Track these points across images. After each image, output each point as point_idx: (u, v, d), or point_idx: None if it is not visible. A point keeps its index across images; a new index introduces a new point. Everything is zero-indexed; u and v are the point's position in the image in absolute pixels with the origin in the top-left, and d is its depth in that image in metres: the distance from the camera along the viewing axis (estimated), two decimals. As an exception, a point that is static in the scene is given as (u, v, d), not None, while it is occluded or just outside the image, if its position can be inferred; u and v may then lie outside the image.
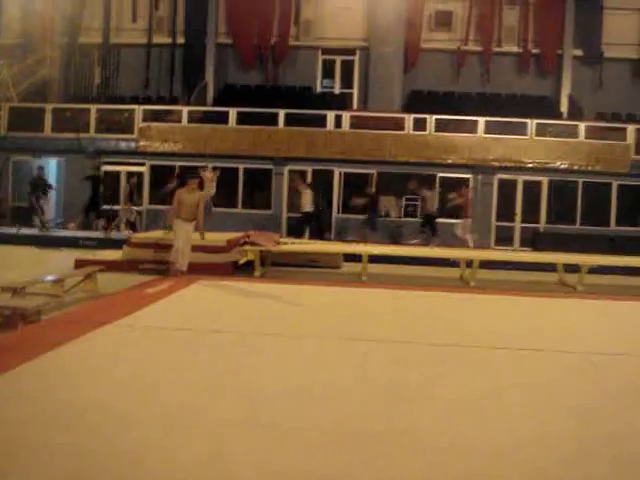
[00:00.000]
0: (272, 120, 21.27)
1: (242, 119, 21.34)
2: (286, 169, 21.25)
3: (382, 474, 3.96)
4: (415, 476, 3.97)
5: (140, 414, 4.74)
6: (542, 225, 20.99)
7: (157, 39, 24.49)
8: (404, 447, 4.38)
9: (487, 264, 14.41)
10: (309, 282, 12.54)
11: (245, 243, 13.98)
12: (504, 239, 20.83)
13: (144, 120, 21.61)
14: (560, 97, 23.42)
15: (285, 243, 15.39)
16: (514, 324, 9.22)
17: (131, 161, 21.51)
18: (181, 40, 24.43)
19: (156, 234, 14.34)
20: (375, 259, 14.44)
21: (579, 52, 23.82)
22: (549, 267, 14.91)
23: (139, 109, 21.76)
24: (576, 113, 22.65)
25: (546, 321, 9.61)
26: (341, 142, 20.89)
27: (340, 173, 21.25)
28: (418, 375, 6.24)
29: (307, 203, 18.31)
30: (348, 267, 14.95)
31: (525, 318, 9.75)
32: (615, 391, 6.03)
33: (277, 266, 14.53)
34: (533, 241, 20.56)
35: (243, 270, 13.60)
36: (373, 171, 20.94)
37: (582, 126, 21.11)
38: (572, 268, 14.17)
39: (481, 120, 20.86)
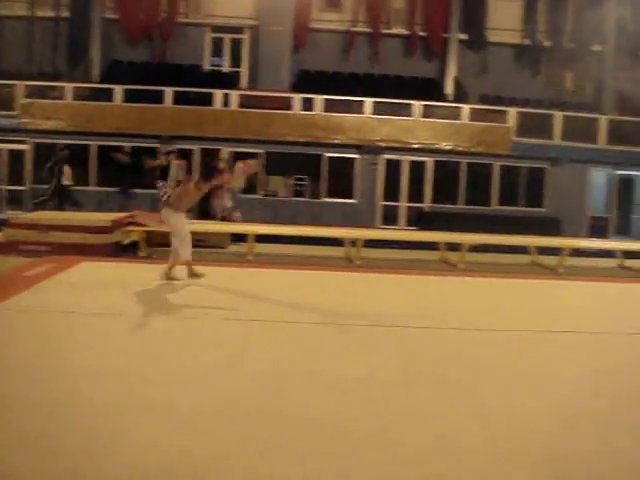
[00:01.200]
0: (159, 98, 21.24)
1: (129, 97, 21.27)
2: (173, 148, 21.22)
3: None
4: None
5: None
6: (427, 205, 21.81)
7: (40, 12, 23.94)
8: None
9: (373, 243, 14.97)
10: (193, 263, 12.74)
11: (130, 223, 14.06)
12: (390, 218, 21.53)
13: (27, 96, 21.21)
14: (446, 80, 24.20)
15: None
16: (396, 302, 9.77)
17: (12, 138, 21.07)
18: (65, 13, 23.97)
19: (39, 215, 14.24)
20: (265, 239, 14.71)
21: (465, 36, 24.67)
22: (433, 246, 15.61)
23: (20, 85, 21.33)
24: (461, 96, 23.51)
25: (428, 298, 10.23)
26: (229, 121, 21.14)
27: (228, 153, 21.42)
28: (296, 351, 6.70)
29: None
30: (237, 247, 15.23)
31: (412, 296, 10.33)
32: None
33: (164, 247, 14.63)
34: (418, 220, 21.32)
35: (129, 251, 13.69)
36: (261, 150, 21.21)
37: (466, 108, 22.01)
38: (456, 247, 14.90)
39: (368, 101, 21.48)
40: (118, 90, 21.26)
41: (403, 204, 21.88)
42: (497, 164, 22.07)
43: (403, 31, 24.74)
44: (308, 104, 21.51)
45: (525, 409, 5.27)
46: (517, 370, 6.42)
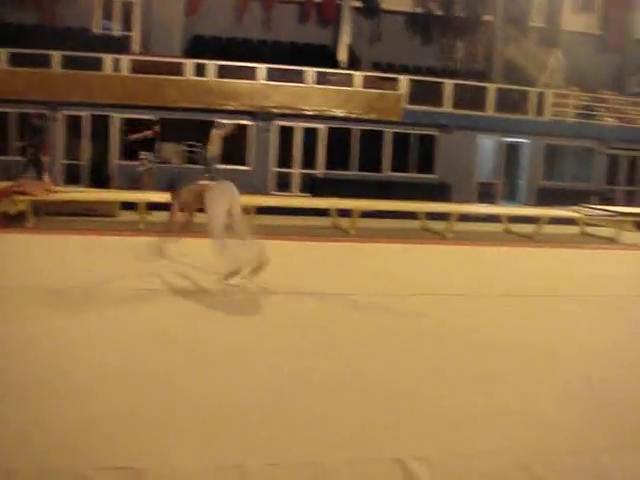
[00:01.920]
0: (47, 62, 20.76)
1: (15, 61, 20.66)
2: (60, 114, 20.89)
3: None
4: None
5: None
6: (320, 171, 22.13)
7: None
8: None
9: (266, 210, 15.25)
10: (81, 232, 12.74)
11: (15, 192, 13.87)
12: (283, 185, 21.78)
13: None
14: (339, 47, 24.46)
15: (59, 192, 15.36)
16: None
17: None
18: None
19: None
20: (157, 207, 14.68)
21: (358, 3, 24.96)
22: (326, 212, 16.00)
23: None
24: (354, 63, 23.86)
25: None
26: (120, 87, 20.88)
27: (119, 119, 21.20)
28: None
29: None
30: (126, 215, 15.23)
31: (301, 263, 10.66)
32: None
33: (53, 215, 14.52)
34: (312, 187, 21.62)
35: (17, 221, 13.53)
36: (153, 117, 21.01)
37: (359, 76, 22.35)
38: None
39: (261, 67, 21.55)
40: (3, 53, 20.65)
41: (296, 171, 22.17)
42: (389, 131, 22.54)
43: (297, -3, 24.87)
44: (201, 70, 21.42)
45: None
46: (397, 337, 6.84)
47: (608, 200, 23.14)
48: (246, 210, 14.64)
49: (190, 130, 21.08)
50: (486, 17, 25.83)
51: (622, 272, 11.71)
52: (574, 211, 18.01)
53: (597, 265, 12.56)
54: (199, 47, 23.52)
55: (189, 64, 21.45)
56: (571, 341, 6.67)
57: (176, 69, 21.45)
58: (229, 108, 21.31)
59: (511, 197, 24.23)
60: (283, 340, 6.20)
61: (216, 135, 18.82)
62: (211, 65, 21.39)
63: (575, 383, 5.36)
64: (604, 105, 25.26)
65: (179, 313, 7.02)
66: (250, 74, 21.65)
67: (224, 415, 4.35)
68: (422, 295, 8.51)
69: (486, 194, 23.33)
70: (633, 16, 27.43)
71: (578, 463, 3.96)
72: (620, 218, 17.46)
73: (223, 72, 21.50)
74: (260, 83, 21.63)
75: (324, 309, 7.62)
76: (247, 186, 20.17)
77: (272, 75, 21.74)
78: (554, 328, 7.18)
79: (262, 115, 21.56)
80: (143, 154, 19.33)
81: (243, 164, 21.64)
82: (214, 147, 19.03)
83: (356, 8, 25.02)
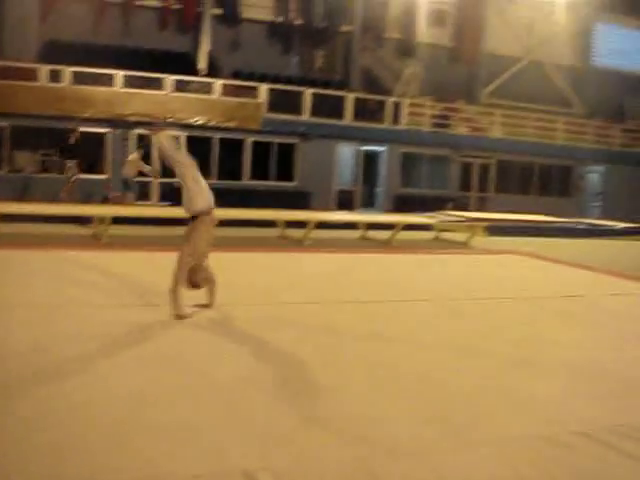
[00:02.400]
0: None
1: None
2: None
3: None
4: None
5: None
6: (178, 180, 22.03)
7: None
8: None
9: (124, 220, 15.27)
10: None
11: None
12: (144, 194, 21.66)
13: None
14: (199, 54, 24.54)
15: None
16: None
17: None
18: None
19: None
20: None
21: (219, 11, 25.09)
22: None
23: None
24: (214, 71, 23.99)
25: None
26: (-31, 93, 20.20)
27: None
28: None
29: None
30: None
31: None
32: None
33: None
34: (172, 195, 21.55)
35: None
36: (6, 124, 20.51)
37: (219, 84, 22.52)
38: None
39: (119, 73, 21.38)
40: None
41: (155, 180, 22.03)
42: (249, 139, 22.81)
43: (156, 3, 24.72)
44: (56, 76, 21.04)
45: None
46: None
47: (462, 206, 24.24)
48: (102, 220, 14.67)
49: (45, 138, 20.67)
50: (345, 28, 26.51)
51: (474, 274, 12.39)
52: (430, 217, 18.83)
53: (450, 269, 13.18)
54: (55, 52, 23.03)
55: (44, 70, 21.03)
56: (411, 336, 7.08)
57: (30, 75, 20.97)
58: (86, 115, 21.01)
59: (370, 204, 24.96)
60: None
61: (133, 156, 18.67)
62: (67, 71, 21.05)
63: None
64: (457, 115, 26.44)
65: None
66: (108, 81, 21.44)
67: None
68: (274, 304, 8.66)
69: (345, 201, 23.96)
70: (484, 30, 28.78)
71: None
72: (472, 223, 18.39)
73: (79, 78, 21.19)
74: (117, 90, 21.45)
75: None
76: (105, 195, 20.21)
77: (130, 82, 21.61)
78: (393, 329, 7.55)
79: (120, 123, 21.38)
80: (69, 163, 19.13)
81: (101, 173, 21.39)
82: (129, 168, 18.85)
83: (216, 16, 25.15)
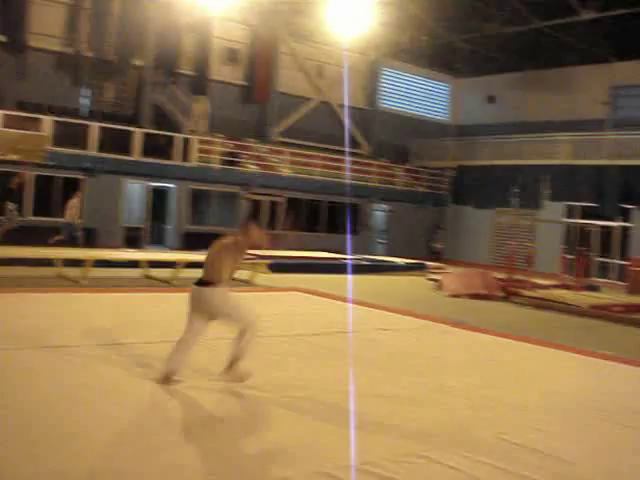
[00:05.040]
0: None
1: None
2: None
3: None
4: None
5: None
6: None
7: None
8: None
9: None
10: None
11: None
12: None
13: None
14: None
15: None
16: None
17: None
18: None
19: None
20: None
21: (3, 38, 24.54)
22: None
23: None
24: (-4, 101, 23.50)
25: None
26: None
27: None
28: None
29: None
30: None
31: None
32: None
33: None
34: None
35: None
36: None
37: (0, 114, 21.97)
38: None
39: None
40: None
41: None
42: (32, 173, 22.44)
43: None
44: None
45: None
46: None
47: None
48: None
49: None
50: (137, 62, 26.69)
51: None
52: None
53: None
54: None
55: None
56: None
57: None
58: None
59: (159, 242, 25.18)
60: None
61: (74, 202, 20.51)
62: None
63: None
64: (247, 152, 27.29)
65: None
66: None
67: None
68: (33, 348, 8.69)
69: (133, 238, 24.05)
70: (275, 70, 29.91)
71: None
72: (255, 261, 19.12)
73: None
74: None
75: None
76: None
77: None
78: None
79: None
80: (10, 205, 18.36)
81: None
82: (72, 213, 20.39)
83: (1, 43, 24.55)
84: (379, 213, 32.42)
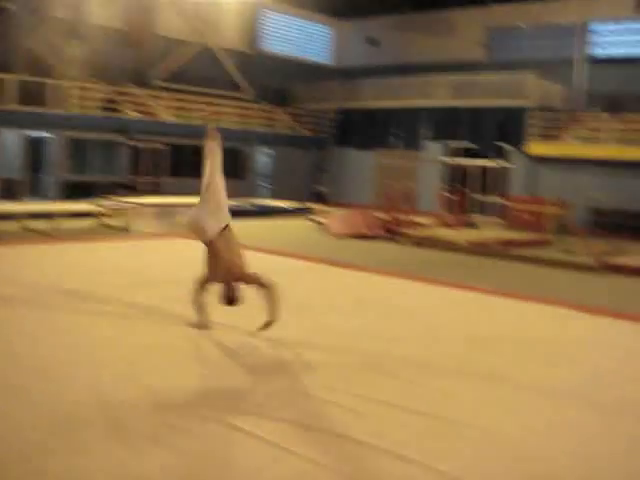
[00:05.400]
0: None
1: None
2: None
3: None
4: None
5: None
6: None
7: None
8: None
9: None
10: None
11: None
12: None
13: None
14: None
15: None
16: None
17: None
18: None
19: None
20: None
21: None
22: None
23: None
24: None
25: None
26: None
27: None
28: None
29: None
30: None
31: None
32: None
33: None
34: None
35: None
36: None
37: None
38: None
39: None
40: None
41: None
42: None
43: None
44: None
45: None
46: None
47: (133, 191, 24.74)
48: None
49: None
50: (7, 5, 25.58)
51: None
52: (91, 204, 19.26)
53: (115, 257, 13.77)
54: None
55: None
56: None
57: None
58: None
59: (38, 193, 24.58)
60: None
61: None
62: None
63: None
64: (127, 98, 26.77)
65: None
66: None
67: None
68: None
69: (11, 190, 23.38)
70: (154, 13, 29.21)
71: None
72: (130, 208, 19.17)
73: None
74: None
75: None
76: None
77: None
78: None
79: None
80: None
81: None
82: None
83: None
84: (263, 158, 32.47)
